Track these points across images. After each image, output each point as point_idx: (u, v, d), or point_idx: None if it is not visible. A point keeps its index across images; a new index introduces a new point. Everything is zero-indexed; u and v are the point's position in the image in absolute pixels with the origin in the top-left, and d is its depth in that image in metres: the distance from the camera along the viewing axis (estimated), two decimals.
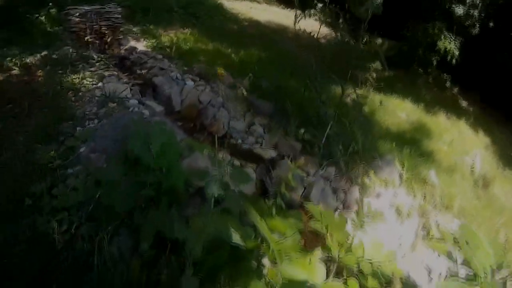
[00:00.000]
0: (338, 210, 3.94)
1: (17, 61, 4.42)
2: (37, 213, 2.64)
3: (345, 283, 1.87)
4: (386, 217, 3.89)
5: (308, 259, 1.66)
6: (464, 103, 9.55)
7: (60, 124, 3.68)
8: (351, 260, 1.68)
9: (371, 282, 1.81)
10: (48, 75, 4.45)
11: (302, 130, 4.27)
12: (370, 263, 1.69)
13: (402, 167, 4.76)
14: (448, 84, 10.02)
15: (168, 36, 6.55)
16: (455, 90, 9.92)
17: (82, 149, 3.27)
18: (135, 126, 2.93)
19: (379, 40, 7.60)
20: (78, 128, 3.61)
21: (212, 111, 4.68)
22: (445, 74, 10.06)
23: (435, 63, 9.88)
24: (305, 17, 8.86)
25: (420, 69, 9.89)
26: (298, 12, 4.77)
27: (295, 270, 1.53)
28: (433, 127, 7.09)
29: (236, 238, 1.81)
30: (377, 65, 6.99)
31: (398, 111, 6.80)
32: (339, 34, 8.17)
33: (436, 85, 9.67)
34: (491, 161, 7.66)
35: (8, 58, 4.39)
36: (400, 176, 4.64)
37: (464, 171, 6.45)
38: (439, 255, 3.76)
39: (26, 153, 3.22)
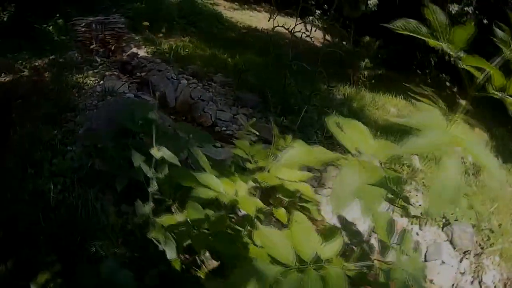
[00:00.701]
0: (313, 187, 4.35)
1: (26, 64, 5.08)
2: (37, 177, 3.17)
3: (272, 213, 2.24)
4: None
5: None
6: (462, 101, 9.80)
7: (63, 114, 4.26)
8: (264, 177, 2.07)
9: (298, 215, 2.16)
10: (55, 75, 5.08)
11: (282, 118, 4.75)
12: (282, 181, 2.08)
13: None
14: (447, 84, 10.30)
15: (168, 44, 7.18)
16: (455, 89, 10.20)
17: (80, 131, 3.83)
18: (124, 104, 3.48)
19: (368, 39, 8.07)
20: (79, 116, 4.19)
21: (202, 105, 5.23)
22: (443, 74, 10.36)
23: (433, 63, 10.18)
24: (305, 25, 9.40)
25: (418, 70, 10.21)
26: (275, 12, 5.30)
27: (214, 181, 1.93)
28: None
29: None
30: (367, 63, 7.44)
31: (388, 106, 7.18)
32: (335, 38, 8.67)
33: (435, 85, 9.95)
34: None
35: (19, 61, 5.06)
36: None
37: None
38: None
39: (32, 134, 3.79)
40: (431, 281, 4.58)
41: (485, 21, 9.85)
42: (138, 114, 3.23)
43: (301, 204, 2.31)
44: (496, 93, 1.44)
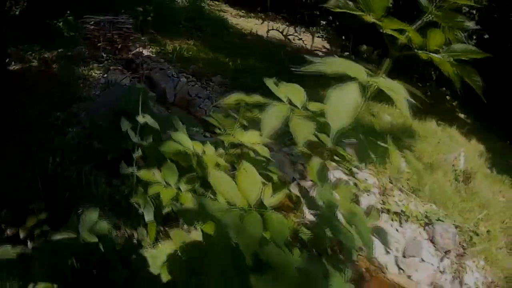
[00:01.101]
0: (296, 179, 4.65)
1: (36, 55, 5.49)
2: (39, 152, 3.52)
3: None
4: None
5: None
6: (462, 115, 10.04)
7: (68, 100, 4.63)
8: (228, 139, 2.35)
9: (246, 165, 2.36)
10: (62, 67, 5.48)
11: None
12: (242, 144, 2.37)
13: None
14: (447, 97, 10.53)
15: (173, 45, 7.59)
16: (454, 103, 10.45)
17: (81, 115, 4.19)
18: (123, 91, 3.84)
19: (365, 48, 8.39)
20: (82, 103, 4.56)
21: (199, 101, 5.60)
22: (444, 88, 10.62)
23: (434, 77, 10.44)
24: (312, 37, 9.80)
25: (419, 83, 10.46)
26: (269, 15, 5.67)
27: (186, 140, 2.24)
28: (420, 130, 7.61)
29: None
30: None
31: (382, 113, 7.46)
32: (336, 47, 9.02)
33: (435, 98, 10.19)
34: (482, 165, 7.94)
35: (29, 53, 5.47)
36: None
37: (446, 169, 6.85)
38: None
39: (39, 117, 4.16)
40: (409, 276, 4.79)
41: (486, 36, 10.14)
42: (134, 98, 3.58)
43: (264, 171, 2.57)
44: (417, 51, 1.74)
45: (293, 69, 1.72)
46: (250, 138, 2.35)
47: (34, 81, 4.98)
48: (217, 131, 2.46)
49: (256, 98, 1.72)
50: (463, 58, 1.88)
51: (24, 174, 3.29)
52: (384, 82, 1.52)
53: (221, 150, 2.50)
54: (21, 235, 2.46)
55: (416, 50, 1.80)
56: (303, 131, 1.54)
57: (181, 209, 2.01)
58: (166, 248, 2.04)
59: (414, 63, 10.15)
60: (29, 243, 2.46)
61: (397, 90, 1.50)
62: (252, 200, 1.77)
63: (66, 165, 3.46)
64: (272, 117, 1.56)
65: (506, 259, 5.65)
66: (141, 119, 2.43)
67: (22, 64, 5.17)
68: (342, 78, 1.60)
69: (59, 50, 5.74)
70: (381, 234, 2.43)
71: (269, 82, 1.76)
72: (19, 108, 4.34)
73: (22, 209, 2.66)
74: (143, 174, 2.21)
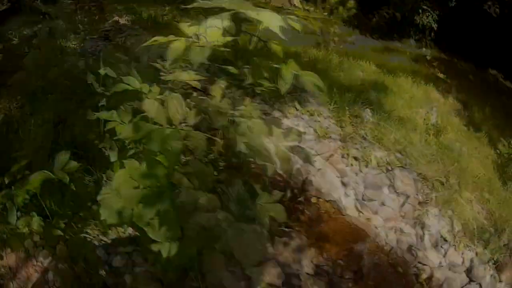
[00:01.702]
0: None
1: (16, 33, 6.02)
2: (22, 115, 4.12)
3: None
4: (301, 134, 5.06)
5: None
6: (441, 75, 10.30)
7: (47, 70, 5.18)
8: (167, 77, 2.90)
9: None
10: (42, 42, 6.00)
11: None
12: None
13: (333, 103, 5.85)
14: (428, 58, 10.76)
15: (148, 13, 8.05)
16: (435, 64, 10.71)
17: (60, 82, 4.79)
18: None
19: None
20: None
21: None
22: (423, 48, 10.95)
23: (412, 34, 10.75)
24: None
25: (399, 42, 10.80)
26: None
27: (134, 82, 2.84)
28: (393, 87, 7.94)
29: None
30: (337, 30, 8.16)
31: (356, 70, 7.86)
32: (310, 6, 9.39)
33: (414, 56, 10.48)
34: (458, 122, 8.22)
35: (10, 32, 6.00)
36: (329, 110, 5.81)
37: (417, 123, 7.21)
38: None
39: (22, 88, 4.73)
40: (368, 219, 5.12)
41: None
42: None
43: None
44: None
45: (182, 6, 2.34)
46: (186, 76, 2.97)
47: (16, 56, 5.51)
48: (161, 74, 3.05)
49: (170, 37, 2.33)
50: None
51: (10, 135, 3.92)
52: (258, 13, 2.10)
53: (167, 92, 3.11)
54: (6, 181, 3.07)
55: None
56: (197, 55, 2.16)
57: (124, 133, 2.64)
58: (120, 174, 2.68)
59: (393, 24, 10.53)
60: (13, 187, 3.05)
61: (271, 19, 2.08)
62: (175, 120, 2.39)
63: (46, 125, 4.08)
64: (176, 49, 2.19)
65: (476, 211, 6.03)
66: (102, 71, 3.03)
67: (3, 44, 5.70)
68: None
69: (38, 26, 6.25)
70: (301, 152, 3.05)
71: (182, 24, 2.38)
72: (3, 82, 4.90)
73: (7, 161, 3.28)
74: (104, 115, 2.83)
